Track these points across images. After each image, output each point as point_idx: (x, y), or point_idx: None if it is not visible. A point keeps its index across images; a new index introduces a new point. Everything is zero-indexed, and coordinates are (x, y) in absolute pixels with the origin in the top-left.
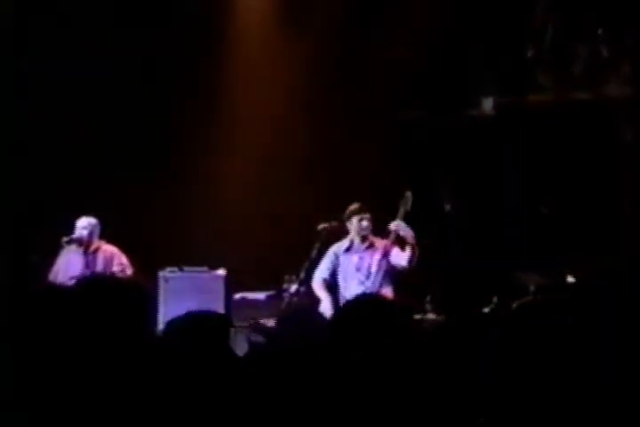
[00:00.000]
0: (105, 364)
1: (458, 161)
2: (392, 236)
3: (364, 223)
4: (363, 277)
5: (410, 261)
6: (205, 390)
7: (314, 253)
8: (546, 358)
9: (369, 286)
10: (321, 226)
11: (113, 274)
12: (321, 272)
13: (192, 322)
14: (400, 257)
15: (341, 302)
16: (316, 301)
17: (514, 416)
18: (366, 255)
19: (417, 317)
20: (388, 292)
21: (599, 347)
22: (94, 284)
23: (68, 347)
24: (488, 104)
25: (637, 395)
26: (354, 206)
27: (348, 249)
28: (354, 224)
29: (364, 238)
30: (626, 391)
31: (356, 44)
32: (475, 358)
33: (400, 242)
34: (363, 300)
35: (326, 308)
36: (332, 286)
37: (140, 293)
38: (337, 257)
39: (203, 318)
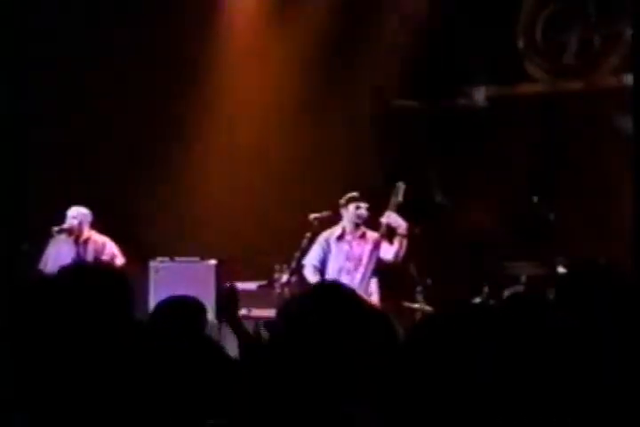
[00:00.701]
0: (89, 350)
1: (448, 151)
2: (383, 228)
3: (361, 211)
4: (352, 267)
5: (397, 255)
6: (181, 373)
7: (305, 242)
8: (544, 355)
9: (357, 276)
10: (312, 216)
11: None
12: (311, 259)
13: (169, 305)
14: (388, 251)
15: None
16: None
17: (513, 415)
18: (357, 245)
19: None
20: (373, 283)
21: (598, 343)
22: (73, 272)
23: (53, 335)
24: (479, 94)
25: (637, 394)
26: (352, 193)
27: (339, 237)
28: (350, 211)
29: (356, 227)
30: (626, 390)
31: (346, 35)
32: (467, 351)
33: (390, 234)
34: (321, 287)
35: None
36: (320, 273)
37: (120, 278)
38: (328, 244)
39: (179, 301)
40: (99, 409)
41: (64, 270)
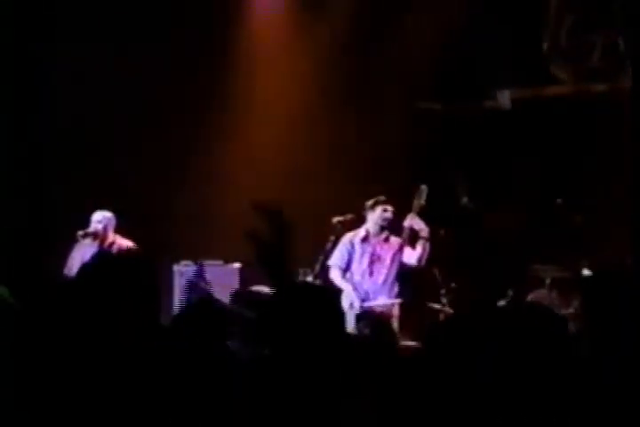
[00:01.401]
0: (108, 347)
1: (473, 153)
2: (405, 232)
3: (387, 214)
4: (375, 269)
5: (420, 259)
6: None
7: (329, 246)
8: (546, 357)
9: (380, 278)
10: (336, 219)
11: None
12: (336, 260)
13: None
14: (411, 255)
15: None
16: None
17: (514, 416)
18: (381, 248)
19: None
20: (395, 287)
21: (601, 347)
22: (99, 262)
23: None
24: (504, 96)
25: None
26: (380, 197)
27: (364, 239)
28: (377, 213)
29: (381, 230)
30: (627, 392)
31: (372, 36)
32: (470, 352)
33: (413, 237)
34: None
35: (352, 297)
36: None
37: (147, 264)
38: (352, 245)
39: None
40: (101, 409)
41: (90, 262)
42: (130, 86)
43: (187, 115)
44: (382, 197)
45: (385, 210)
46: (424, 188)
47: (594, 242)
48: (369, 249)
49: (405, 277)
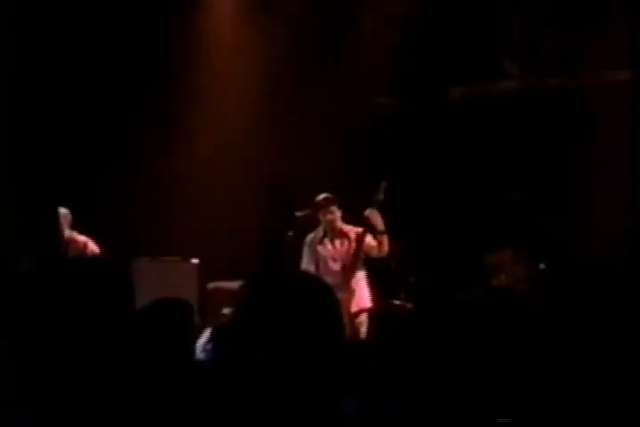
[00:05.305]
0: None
1: (430, 149)
2: (365, 223)
3: (330, 216)
4: (338, 266)
5: (379, 251)
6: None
7: (287, 240)
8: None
9: (343, 274)
10: (296, 214)
11: None
12: (305, 265)
13: (157, 308)
14: (373, 245)
15: None
16: None
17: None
18: (340, 244)
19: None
20: (362, 277)
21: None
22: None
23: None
24: (456, 92)
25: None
26: (319, 198)
27: (322, 239)
28: (321, 217)
29: (333, 228)
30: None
31: (329, 35)
32: (444, 348)
33: (372, 230)
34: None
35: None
36: None
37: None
38: (312, 248)
39: (167, 304)
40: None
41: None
42: (86, 84)
43: (146, 113)
44: (321, 198)
45: (325, 212)
46: (384, 184)
47: (552, 235)
48: (329, 248)
49: (367, 271)
